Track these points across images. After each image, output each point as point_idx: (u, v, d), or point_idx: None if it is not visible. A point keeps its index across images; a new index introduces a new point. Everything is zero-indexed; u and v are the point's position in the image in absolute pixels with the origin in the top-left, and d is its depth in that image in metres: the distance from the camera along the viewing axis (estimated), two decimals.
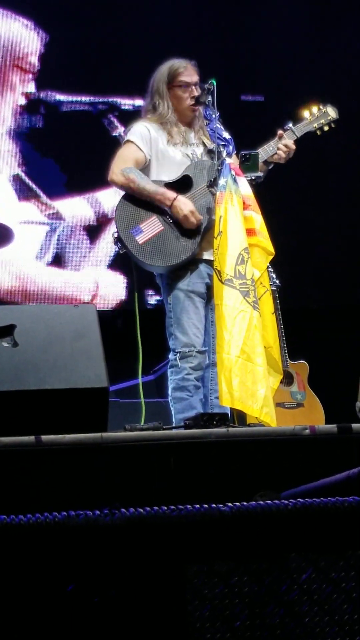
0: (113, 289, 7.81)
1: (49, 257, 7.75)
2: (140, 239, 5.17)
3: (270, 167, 5.39)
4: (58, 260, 7.78)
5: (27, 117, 7.86)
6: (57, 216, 7.83)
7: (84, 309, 4.17)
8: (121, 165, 5.25)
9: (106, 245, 7.74)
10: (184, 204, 5.17)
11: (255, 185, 5.19)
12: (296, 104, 7.48)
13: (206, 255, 5.23)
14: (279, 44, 8.21)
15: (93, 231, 7.87)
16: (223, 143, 5.22)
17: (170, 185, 5.24)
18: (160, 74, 5.37)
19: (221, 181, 5.02)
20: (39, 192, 7.78)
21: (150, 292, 7.63)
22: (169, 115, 5.32)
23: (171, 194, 5.19)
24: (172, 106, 5.34)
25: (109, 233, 7.69)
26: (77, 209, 7.87)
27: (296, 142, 5.40)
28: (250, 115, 7.87)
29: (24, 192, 7.79)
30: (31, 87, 7.84)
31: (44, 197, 7.78)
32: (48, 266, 7.75)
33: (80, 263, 7.81)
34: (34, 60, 7.83)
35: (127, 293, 7.76)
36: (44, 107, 7.87)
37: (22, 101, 7.82)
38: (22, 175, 7.77)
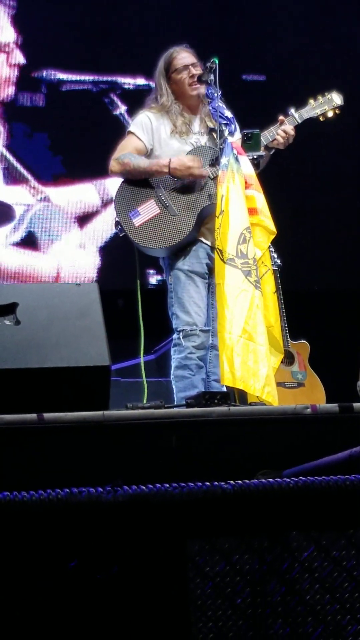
0: (80, 270, 7.80)
1: (17, 236, 7.74)
2: (137, 221, 5.20)
3: (271, 152, 5.38)
4: (29, 242, 7.78)
5: (28, 95, 7.84)
6: (47, 200, 7.83)
7: (86, 287, 4.16)
8: (117, 155, 5.29)
9: (102, 227, 7.76)
10: (179, 161, 5.18)
11: (257, 165, 5.17)
12: (298, 84, 7.48)
13: (206, 241, 5.23)
14: (281, 23, 8.19)
15: (91, 216, 7.87)
16: (225, 122, 5.21)
17: (165, 159, 5.24)
18: (159, 67, 5.41)
19: (223, 160, 5.01)
20: (28, 175, 7.77)
21: (152, 271, 7.63)
22: (170, 104, 5.33)
23: (164, 161, 5.21)
24: (173, 94, 5.35)
25: (104, 216, 7.74)
26: (83, 194, 7.87)
27: (297, 127, 5.38)
28: (251, 95, 7.85)
29: (14, 174, 7.78)
30: (19, 58, 7.80)
31: (32, 181, 7.77)
32: (13, 246, 7.74)
33: (50, 245, 7.81)
34: (7, 37, 7.79)
35: (99, 272, 7.77)
36: (45, 85, 7.85)
37: (15, 73, 7.79)
38: (11, 158, 7.76)
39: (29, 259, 7.75)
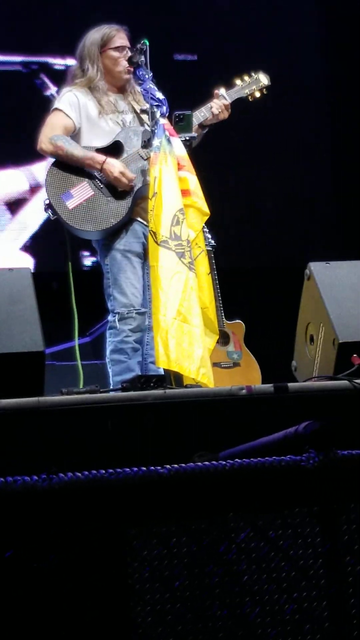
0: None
1: None
2: (71, 204, 5.14)
3: (205, 131, 5.40)
4: None
5: None
6: None
7: (19, 272, 4.13)
8: (49, 133, 5.23)
9: (33, 213, 7.70)
10: (113, 166, 5.15)
11: (189, 146, 5.17)
12: (230, 63, 7.48)
13: (142, 220, 5.22)
14: (212, 2, 8.18)
15: (21, 203, 7.82)
16: (157, 103, 5.18)
17: (101, 151, 5.21)
18: (93, 38, 5.34)
19: (155, 142, 4.99)
20: None
21: (86, 253, 7.60)
22: (97, 79, 5.30)
23: (100, 157, 5.17)
24: (102, 71, 5.31)
25: (33, 203, 7.68)
26: (11, 180, 7.81)
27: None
28: (183, 75, 7.84)
29: None
30: None
31: None
32: None
33: None
34: None
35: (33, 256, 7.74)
36: None
37: None
38: None
39: None
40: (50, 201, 5.17)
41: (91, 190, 5.18)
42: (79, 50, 5.39)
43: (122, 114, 5.33)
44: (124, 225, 5.20)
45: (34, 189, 7.74)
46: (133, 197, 5.18)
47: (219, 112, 5.35)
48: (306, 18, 8.49)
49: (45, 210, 5.22)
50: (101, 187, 5.18)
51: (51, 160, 5.28)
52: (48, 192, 5.20)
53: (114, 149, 5.24)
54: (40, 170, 7.42)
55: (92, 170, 5.18)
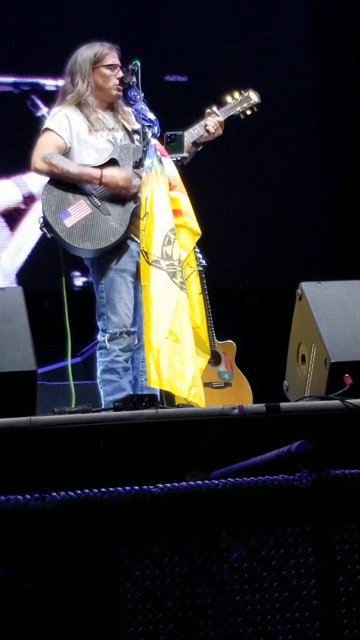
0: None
1: None
2: (69, 222, 5.12)
3: (199, 149, 5.42)
4: None
5: None
6: None
7: (10, 292, 4.14)
8: (42, 152, 5.21)
9: (29, 231, 7.70)
10: (114, 176, 5.15)
11: (181, 166, 5.19)
12: (220, 84, 7.51)
13: (137, 238, 5.21)
14: (203, 23, 8.22)
15: (17, 216, 7.82)
16: (148, 124, 5.20)
17: (96, 168, 5.21)
18: (85, 54, 5.34)
19: (147, 162, 5.00)
20: None
21: (77, 273, 7.60)
22: (86, 94, 5.29)
23: (97, 171, 5.16)
24: (93, 87, 5.32)
25: (32, 218, 7.66)
26: (3, 192, 7.80)
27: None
28: (174, 96, 7.88)
29: None
30: None
31: None
32: None
33: None
34: None
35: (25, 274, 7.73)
36: None
37: None
38: None
39: None
40: (47, 220, 5.15)
41: (89, 208, 5.17)
42: (70, 65, 5.39)
43: (112, 131, 5.34)
44: (120, 244, 5.19)
45: (26, 198, 7.73)
46: (130, 215, 5.17)
47: (215, 129, 5.37)
48: (297, 40, 8.55)
49: (41, 228, 5.20)
50: (98, 205, 5.17)
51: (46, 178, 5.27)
52: (45, 210, 5.16)
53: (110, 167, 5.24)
54: (32, 180, 7.42)
55: (91, 185, 5.17)
